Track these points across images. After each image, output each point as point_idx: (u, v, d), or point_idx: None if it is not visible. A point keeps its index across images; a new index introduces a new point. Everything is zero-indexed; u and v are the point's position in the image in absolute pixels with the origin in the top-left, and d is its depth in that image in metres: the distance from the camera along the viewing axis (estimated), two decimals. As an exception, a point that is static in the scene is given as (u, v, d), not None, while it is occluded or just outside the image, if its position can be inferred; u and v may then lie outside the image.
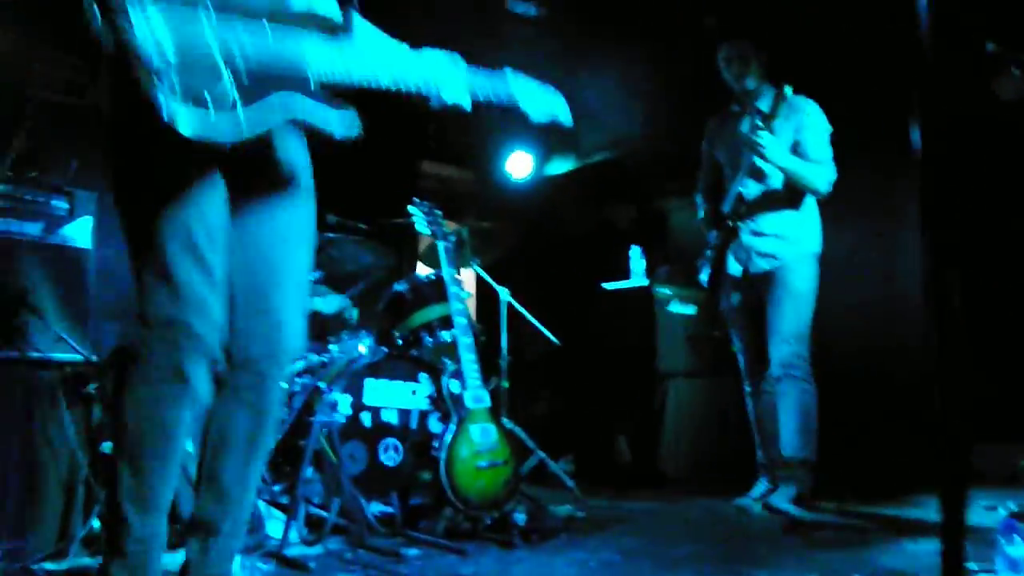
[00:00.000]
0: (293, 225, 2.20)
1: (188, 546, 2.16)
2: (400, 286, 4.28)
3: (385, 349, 4.06)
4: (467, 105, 2.30)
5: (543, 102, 2.50)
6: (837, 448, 4.30)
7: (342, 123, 2.06)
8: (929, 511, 3.95)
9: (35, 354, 3.01)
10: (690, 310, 5.71)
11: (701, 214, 4.55)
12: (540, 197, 7.30)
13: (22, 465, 2.90)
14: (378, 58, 2.15)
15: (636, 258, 5.76)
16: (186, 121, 1.76)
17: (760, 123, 4.04)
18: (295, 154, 2.21)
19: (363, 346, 4.06)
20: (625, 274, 5.79)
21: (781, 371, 4.06)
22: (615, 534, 3.65)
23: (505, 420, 3.78)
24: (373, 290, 4.56)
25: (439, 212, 3.90)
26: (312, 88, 2.02)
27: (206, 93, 1.79)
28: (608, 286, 5.81)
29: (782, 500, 3.98)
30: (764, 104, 4.18)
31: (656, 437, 5.44)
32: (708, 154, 4.55)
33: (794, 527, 3.66)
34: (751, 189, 4.22)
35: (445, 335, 4.11)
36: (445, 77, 2.25)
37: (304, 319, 2.24)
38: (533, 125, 2.50)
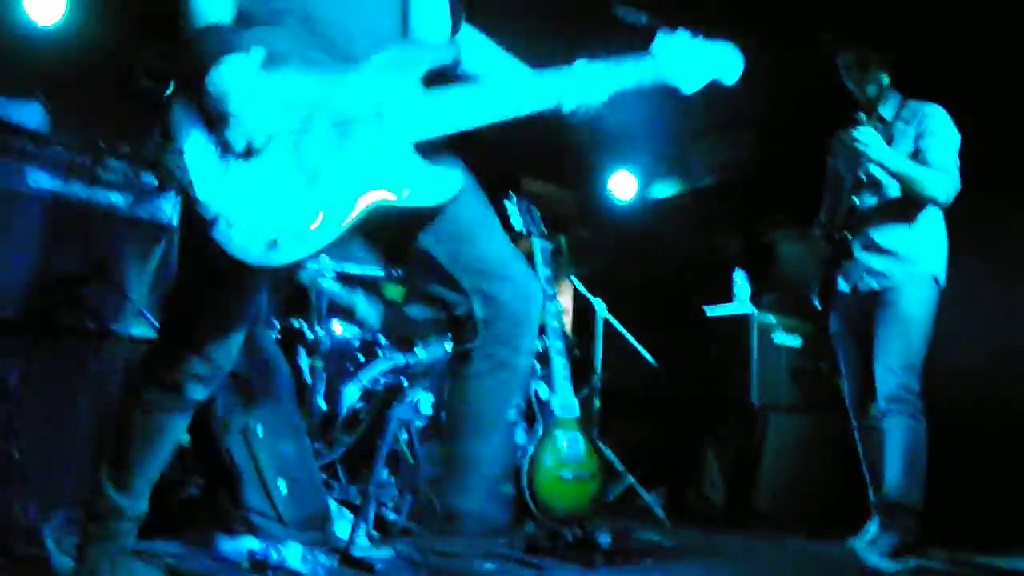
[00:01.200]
0: (478, 202, 2.09)
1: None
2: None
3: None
4: (599, 101, 2.09)
5: (695, 66, 2.20)
6: (951, 493, 3.95)
7: (438, 188, 1.93)
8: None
9: (117, 328, 2.94)
10: (795, 341, 5.40)
11: (818, 231, 4.16)
12: (642, 219, 7.10)
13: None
14: (492, 90, 2.02)
15: (740, 282, 5.48)
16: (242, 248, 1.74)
17: (864, 119, 3.69)
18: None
19: (449, 346, 3.90)
20: (728, 300, 5.52)
21: (886, 405, 3.68)
22: (703, 564, 3.39)
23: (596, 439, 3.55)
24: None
25: (536, 211, 3.73)
26: (405, 154, 1.91)
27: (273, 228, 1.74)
28: (711, 311, 5.54)
29: (876, 552, 3.56)
30: (888, 111, 3.86)
31: (753, 473, 5.14)
32: (832, 168, 4.14)
33: None
34: (865, 200, 3.87)
35: (536, 343, 3.92)
36: (571, 80, 2.06)
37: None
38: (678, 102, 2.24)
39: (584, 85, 2.05)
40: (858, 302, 3.87)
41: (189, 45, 1.78)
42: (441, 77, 2.03)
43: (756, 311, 5.35)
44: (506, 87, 2.04)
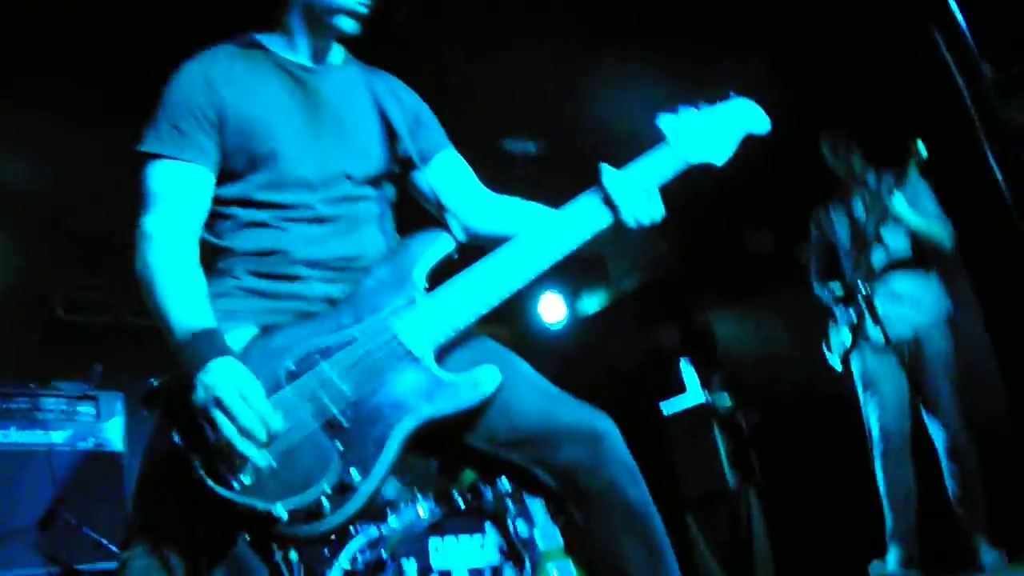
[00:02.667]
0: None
1: None
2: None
3: (443, 508, 3.84)
4: (659, 213, 1.90)
5: (717, 135, 2.00)
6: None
7: (469, 388, 1.74)
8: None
9: (83, 567, 2.86)
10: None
11: (826, 295, 4.40)
12: (580, 338, 7.14)
13: None
14: (516, 249, 1.85)
15: (689, 373, 5.53)
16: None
17: (893, 184, 3.97)
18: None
19: (422, 508, 3.84)
20: (680, 392, 5.56)
21: (952, 444, 3.92)
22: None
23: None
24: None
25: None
26: (427, 366, 1.74)
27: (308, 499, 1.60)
28: (667, 408, 5.57)
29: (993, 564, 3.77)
30: (871, 180, 4.21)
31: (748, 555, 5.10)
32: (819, 239, 4.53)
33: None
34: (878, 257, 4.14)
35: (506, 482, 3.89)
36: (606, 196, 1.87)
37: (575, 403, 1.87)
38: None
39: (622, 196, 1.86)
40: (894, 347, 4.06)
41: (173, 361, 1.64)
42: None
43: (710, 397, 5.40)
44: (533, 236, 1.88)
